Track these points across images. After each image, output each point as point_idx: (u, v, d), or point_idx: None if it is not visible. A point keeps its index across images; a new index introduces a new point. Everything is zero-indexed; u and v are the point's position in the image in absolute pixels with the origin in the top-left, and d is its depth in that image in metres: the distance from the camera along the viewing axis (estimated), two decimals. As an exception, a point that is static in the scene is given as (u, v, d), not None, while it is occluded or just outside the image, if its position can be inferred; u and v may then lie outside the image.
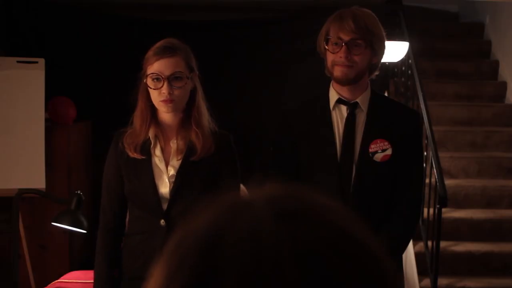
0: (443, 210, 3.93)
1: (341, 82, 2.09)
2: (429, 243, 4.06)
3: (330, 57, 2.08)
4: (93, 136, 4.69)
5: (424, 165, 4.37)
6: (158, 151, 2.14)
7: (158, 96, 2.07)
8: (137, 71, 2.16)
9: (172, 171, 2.12)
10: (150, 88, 2.08)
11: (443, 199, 3.82)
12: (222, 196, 0.55)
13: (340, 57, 2.04)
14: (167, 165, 2.13)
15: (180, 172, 2.11)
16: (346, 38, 2.03)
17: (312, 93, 2.32)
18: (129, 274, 2.16)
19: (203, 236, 0.51)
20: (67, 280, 2.95)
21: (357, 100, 2.11)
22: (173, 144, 2.14)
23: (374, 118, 2.11)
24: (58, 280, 2.97)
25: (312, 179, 2.13)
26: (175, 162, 2.13)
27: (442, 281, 4.01)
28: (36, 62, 4.04)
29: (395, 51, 4.55)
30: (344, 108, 2.12)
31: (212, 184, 2.12)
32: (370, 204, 2.08)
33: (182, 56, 2.10)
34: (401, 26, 5.02)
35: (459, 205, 4.61)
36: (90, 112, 4.68)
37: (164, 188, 2.12)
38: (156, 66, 2.06)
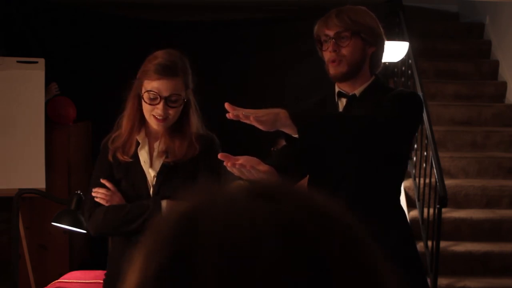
0: (443, 210, 3.93)
1: (336, 79, 2.10)
2: (429, 243, 4.06)
3: (325, 57, 2.10)
4: (93, 136, 4.69)
5: (424, 165, 4.39)
6: (144, 153, 2.18)
7: (151, 111, 2.10)
8: (137, 71, 2.16)
9: (153, 173, 2.16)
10: (145, 102, 2.10)
11: (443, 199, 3.82)
12: (199, 185, 0.56)
13: (330, 51, 2.07)
14: (151, 166, 2.18)
15: (160, 173, 2.15)
16: (331, 33, 2.06)
17: (318, 92, 2.32)
18: (119, 270, 2.17)
19: (180, 216, 0.52)
20: (67, 280, 2.95)
21: (355, 92, 2.11)
22: (156, 146, 2.17)
23: (368, 106, 2.08)
24: (58, 280, 2.97)
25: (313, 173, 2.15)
26: (157, 165, 2.16)
27: (442, 281, 4.01)
28: (36, 62, 4.05)
29: (395, 51, 4.55)
30: (344, 101, 2.13)
31: (193, 183, 2.14)
32: (363, 189, 2.06)
33: (182, 77, 2.11)
34: (401, 26, 5.03)
35: (459, 205, 4.62)
36: (90, 112, 4.69)
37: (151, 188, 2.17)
38: (155, 84, 2.07)
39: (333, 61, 2.07)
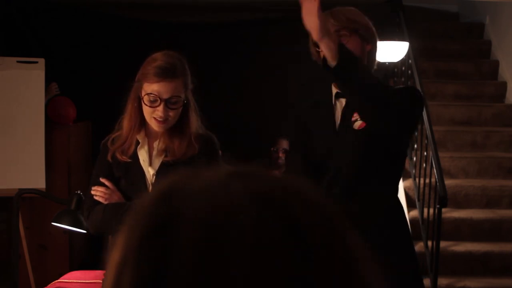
0: (443, 210, 3.93)
1: None
2: (429, 243, 4.06)
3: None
4: (93, 136, 4.69)
5: (424, 165, 4.39)
6: (144, 152, 2.19)
7: (151, 113, 2.12)
8: (137, 71, 2.17)
9: (152, 172, 2.18)
10: (145, 104, 2.12)
11: (443, 199, 3.82)
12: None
13: None
14: (150, 165, 2.20)
15: (159, 171, 2.17)
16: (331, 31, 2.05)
17: (318, 92, 2.32)
18: None
19: (158, 191, 0.54)
20: (67, 280, 2.94)
21: None
22: (156, 146, 2.19)
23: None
24: (58, 280, 2.97)
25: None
26: (156, 164, 2.18)
27: (442, 281, 4.01)
28: (36, 62, 4.05)
29: (395, 51, 4.55)
30: (343, 101, 2.13)
31: None
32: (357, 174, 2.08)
33: (181, 79, 2.13)
34: (401, 26, 5.02)
35: (459, 205, 4.62)
36: (90, 112, 4.68)
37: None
38: (155, 87, 2.09)
39: None
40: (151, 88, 2.10)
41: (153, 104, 2.10)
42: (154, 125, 2.14)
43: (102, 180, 2.17)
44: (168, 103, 2.10)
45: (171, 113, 2.11)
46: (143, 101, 2.12)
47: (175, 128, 2.18)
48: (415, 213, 4.44)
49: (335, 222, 0.54)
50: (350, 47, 2.04)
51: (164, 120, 2.11)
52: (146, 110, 2.13)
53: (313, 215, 0.52)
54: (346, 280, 0.51)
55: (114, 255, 0.53)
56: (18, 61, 4.03)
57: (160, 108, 2.09)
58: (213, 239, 0.48)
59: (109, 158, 2.19)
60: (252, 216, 0.50)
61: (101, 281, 2.39)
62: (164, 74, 2.09)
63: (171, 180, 0.55)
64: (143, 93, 2.12)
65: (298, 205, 0.52)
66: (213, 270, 0.47)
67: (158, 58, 2.12)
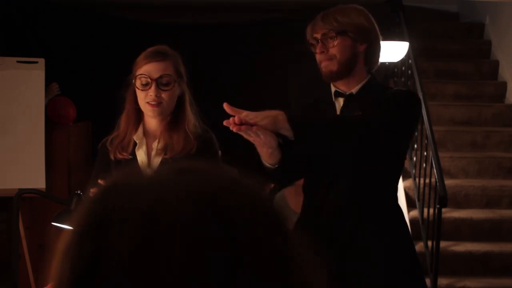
0: (443, 210, 3.93)
1: (328, 78, 2.11)
2: (429, 243, 4.06)
3: (317, 59, 2.11)
4: (93, 136, 4.69)
5: (424, 165, 4.39)
6: (142, 153, 2.19)
7: (144, 97, 2.12)
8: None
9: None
10: (138, 89, 2.11)
11: (443, 199, 3.82)
12: None
13: (318, 53, 2.09)
14: (149, 167, 2.19)
15: None
16: (318, 36, 2.08)
17: (318, 92, 2.32)
18: None
19: (106, 184, 0.56)
20: (67, 280, 2.94)
21: (352, 91, 2.11)
22: (155, 146, 2.19)
23: (366, 105, 2.08)
24: (58, 280, 2.97)
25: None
26: (155, 164, 2.18)
27: (442, 281, 4.01)
28: (36, 62, 4.05)
29: (395, 51, 4.55)
30: (341, 100, 2.13)
31: None
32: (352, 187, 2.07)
33: (172, 61, 2.15)
34: (401, 26, 5.03)
35: (459, 205, 4.62)
36: (90, 112, 4.69)
37: None
38: (145, 68, 2.11)
39: (323, 62, 2.08)
40: (141, 70, 2.11)
41: (145, 87, 2.10)
42: (148, 111, 2.13)
43: (101, 181, 2.17)
44: (159, 84, 2.10)
45: (163, 95, 2.11)
46: (136, 86, 2.12)
47: (172, 124, 2.17)
48: (415, 213, 4.44)
49: (270, 222, 0.55)
50: (338, 48, 2.05)
51: (157, 104, 2.11)
52: (140, 96, 2.13)
53: (248, 214, 0.53)
54: (278, 279, 0.52)
55: (59, 246, 0.55)
56: (18, 61, 4.03)
57: (152, 88, 2.09)
58: (147, 234, 0.50)
59: (112, 157, 2.19)
60: (188, 213, 0.51)
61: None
62: (153, 55, 2.12)
63: (117, 175, 0.57)
64: (135, 80, 2.13)
65: (234, 204, 0.53)
66: (145, 264, 0.49)
67: (149, 48, 2.17)
